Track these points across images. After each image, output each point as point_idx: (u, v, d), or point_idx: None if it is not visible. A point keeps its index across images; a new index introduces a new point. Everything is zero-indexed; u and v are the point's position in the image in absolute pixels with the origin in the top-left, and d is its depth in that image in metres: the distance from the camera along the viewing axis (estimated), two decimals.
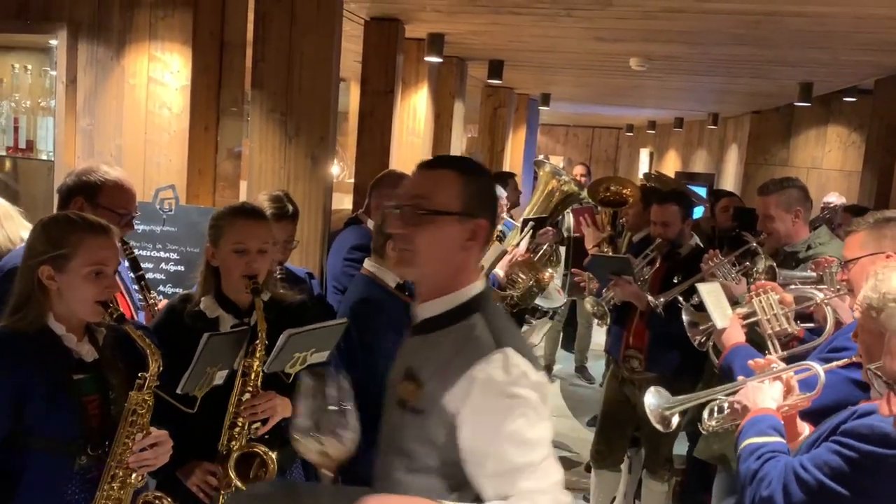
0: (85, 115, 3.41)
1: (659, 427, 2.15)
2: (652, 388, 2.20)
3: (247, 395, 2.08)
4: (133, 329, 1.83)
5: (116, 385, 1.84)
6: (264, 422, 2.10)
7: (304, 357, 2.12)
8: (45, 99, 3.81)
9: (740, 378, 2.03)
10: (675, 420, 2.16)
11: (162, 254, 3.24)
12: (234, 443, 2.08)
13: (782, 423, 1.83)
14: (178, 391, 1.92)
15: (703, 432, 2.16)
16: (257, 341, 2.07)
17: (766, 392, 1.89)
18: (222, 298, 2.19)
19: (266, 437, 2.11)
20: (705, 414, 2.12)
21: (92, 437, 1.79)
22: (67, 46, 3.47)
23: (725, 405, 2.04)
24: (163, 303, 2.54)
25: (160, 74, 3.36)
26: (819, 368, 1.88)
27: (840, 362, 1.94)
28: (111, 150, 3.36)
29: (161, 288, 3.19)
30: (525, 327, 4.47)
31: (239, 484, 2.01)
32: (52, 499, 1.76)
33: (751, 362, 2.11)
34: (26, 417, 1.72)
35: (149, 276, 3.06)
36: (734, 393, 2.00)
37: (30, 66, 3.88)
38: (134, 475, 1.80)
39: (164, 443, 1.84)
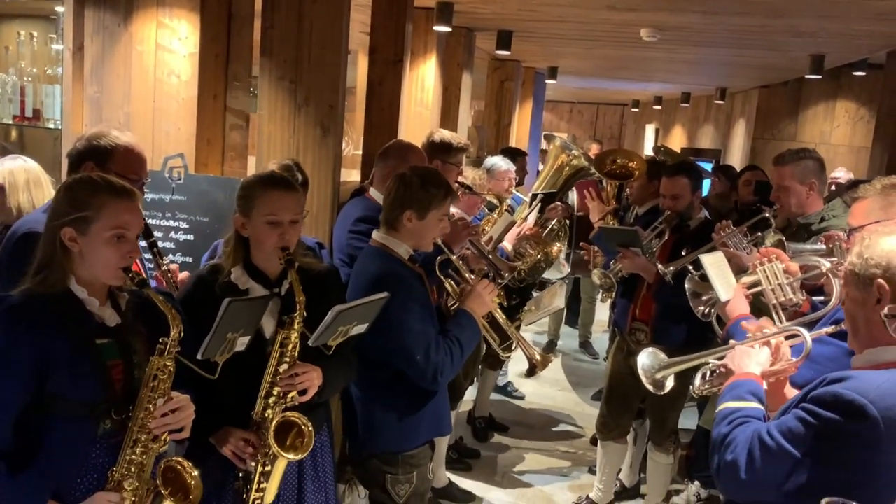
0: (92, 82, 3.38)
1: (650, 388, 2.12)
2: (648, 349, 2.17)
3: (284, 366, 2.10)
4: (155, 294, 1.82)
5: (140, 350, 1.84)
6: (302, 392, 2.13)
7: (346, 330, 2.16)
8: (52, 67, 3.78)
9: (731, 342, 2.00)
10: (669, 383, 2.13)
11: (171, 223, 3.23)
12: (268, 412, 2.10)
13: (763, 388, 1.81)
14: (199, 356, 1.92)
15: (694, 396, 2.15)
16: (295, 313, 2.09)
17: (752, 356, 1.87)
18: (251, 268, 2.20)
19: (296, 403, 2.14)
20: (697, 378, 2.10)
21: (116, 401, 1.79)
22: (74, 13, 3.43)
23: (717, 369, 2.02)
24: (175, 267, 2.54)
25: (168, 41, 3.33)
26: (806, 334, 1.85)
27: (829, 329, 1.92)
28: (119, 117, 3.34)
29: (171, 257, 3.19)
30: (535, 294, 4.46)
31: (279, 451, 2.03)
32: (76, 463, 1.77)
33: (744, 323, 2.08)
34: (50, 382, 1.72)
35: (159, 244, 3.06)
36: (724, 357, 1.97)
37: (35, 34, 3.85)
38: (156, 441, 1.80)
39: (186, 407, 1.84)
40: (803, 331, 1.87)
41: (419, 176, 2.51)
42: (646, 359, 2.15)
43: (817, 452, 1.52)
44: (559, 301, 3.68)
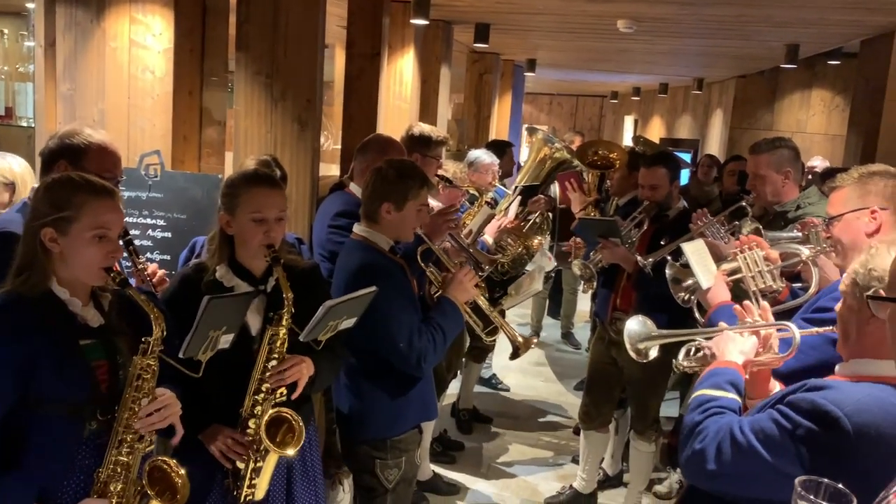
0: (65, 79, 3.33)
1: (633, 355, 2.11)
2: (638, 317, 2.15)
3: (273, 362, 2.11)
4: (136, 293, 1.81)
5: (124, 351, 1.83)
6: (291, 388, 2.13)
7: (336, 324, 2.18)
8: (24, 64, 3.73)
9: (721, 324, 1.98)
10: (653, 353, 2.11)
11: (148, 220, 3.20)
12: (257, 408, 2.11)
13: (743, 378, 1.79)
14: (181, 355, 1.92)
15: (675, 370, 2.14)
16: (283, 310, 2.10)
17: (738, 344, 1.85)
18: (236, 266, 2.20)
19: (285, 399, 2.15)
20: (682, 353, 2.08)
21: (101, 402, 1.78)
22: (45, 9, 3.39)
23: (702, 349, 2.00)
24: (153, 267, 2.51)
25: (142, 37, 3.29)
26: (796, 331, 1.83)
27: (820, 329, 1.89)
28: (94, 115, 3.30)
29: (149, 255, 3.16)
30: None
31: (272, 446, 2.04)
32: (62, 464, 1.75)
33: (736, 307, 2.07)
34: (35, 383, 1.70)
35: (136, 242, 3.03)
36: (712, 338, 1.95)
37: (6, 31, 3.79)
38: (141, 441, 1.79)
39: (172, 404, 1.84)
40: (793, 326, 1.85)
41: (395, 168, 2.54)
42: (634, 325, 2.12)
43: (785, 456, 1.51)
44: (537, 284, 3.71)
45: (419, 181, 2.55)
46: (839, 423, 1.45)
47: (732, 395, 1.73)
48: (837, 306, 1.71)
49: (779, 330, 1.89)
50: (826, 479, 1.25)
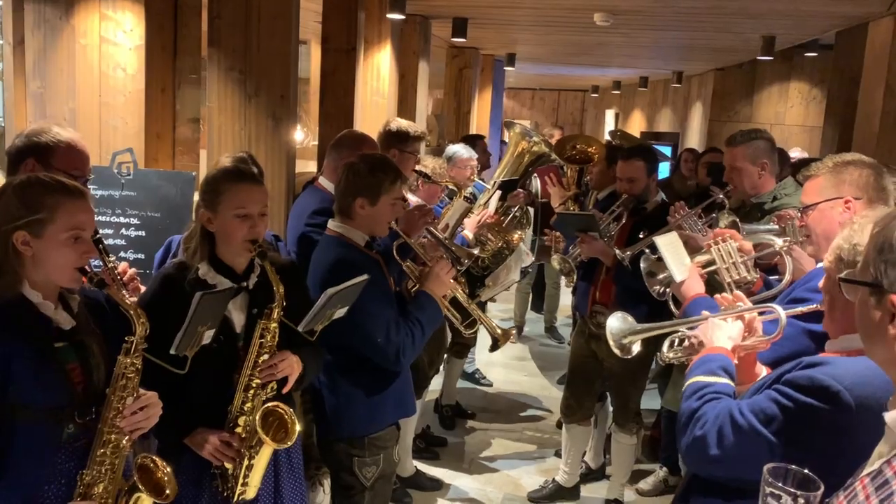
0: (35, 77, 3.28)
1: (617, 352, 2.10)
2: (618, 313, 2.14)
3: (264, 357, 2.11)
4: (116, 293, 1.79)
5: (96, 352, 1.81)
6: (282, 382, 2.14)
7: (332, 314, 2.19)
8: None
9: (704, 313, 1.97)
10: (636, 348, 2.11)
11: (122, 219, 3.15)
12: (248, 404, 2.10)
13: (734, 363, 1.79)
14: (172, 351, 1.91)
15: (661, 363, 2.13)
16: (274, 304, 2.10)
17: (725, 330, 1.84)
18: (216, 263, 2.18)
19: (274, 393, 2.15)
20: (665, 345, 2.07)
21: (78, 404, 1.76)
22: (13, 7, 3.33)
23: (686, 339, 2.00)
24: (123, 265, 2.47)
25: (112, 34, 3.25)
26: (781, 312, 1.82)
27: (804, 309, 1.89)
28: (64, 113, 3.25)
29: (122, 254, 3.12)
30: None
31: (267, 439, 2.04)
32: (42, 469, 1.73)
33: (718, 297, 2.06)
34: (12, 389, 1.67)
35: (109, 242, 2.99)
36: (696, 327, 1.94)
37: None
38: (126, 439, 1.77)
39: (154, 404, 1.82)
40: (778, 307, 1.84)
41: (366, 163, 2.53)
42: (615, 322, 2.11)
43: (789, 435, 1.51)
44: (514, 275, 3.71)
45: (392, 175, 2.54)
46: (840, 396, 1.45)
47: (726, 380, 1.73)
48: (821, 283, 1.70)
49: (762, 313, 1.88)
50: (794, 466, 1.25)
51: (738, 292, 2.02)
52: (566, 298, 6.92)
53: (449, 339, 4.55)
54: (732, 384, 1.73)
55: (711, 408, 1.64)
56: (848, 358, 1.55)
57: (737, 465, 1.59)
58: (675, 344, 2.09)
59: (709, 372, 1.74)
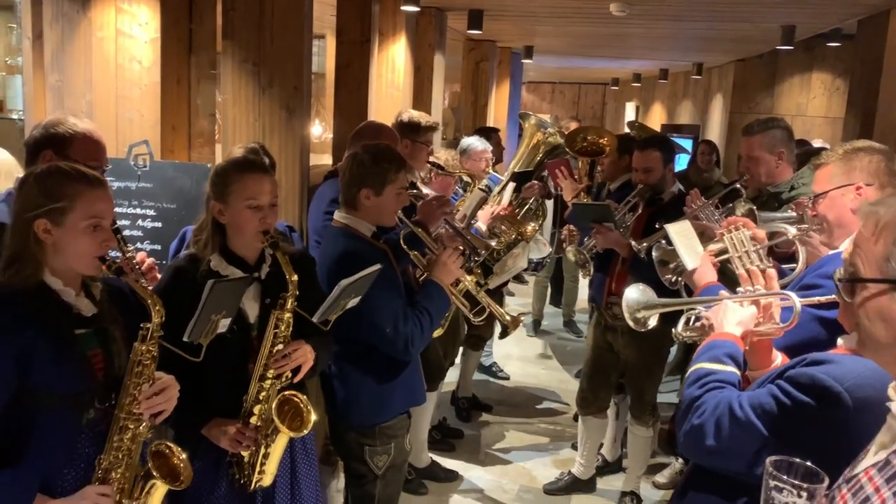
0: (53, 70, 3.32)
1: (631, 324, 2.07)
2: (639, 285, 2.10)
3: (279, 347, 2.12)
4: (133, 280, 1.82)
5: (118, 339, 1.84)
6: (296, 370, 2.15)
7: (345, 304, 2.20)
8: (13, 57, 3.73)
9: (721, 293, 1.94)
10: (651, 323, 2.08)
11: (138, 210, 3.19)
12: (263, 393, 2.12)
13: (742, 350, 1.76)
14: (185, 339, 1.94)
15: (675, 340, 2.11)
16: (287, 294, 2.11)
17: (737, 314, 1.81)
18: (228, 254, 2.20)
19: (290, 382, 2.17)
20: (681, 322, 2.04)
21: (98, 391, 1.79)
22: (32, 1, 3.37)
23: (702, 318, 1.96)
24: (141, 255, 2.50)
25: (128, 27, 3.28)
26: (796, 299, 1.78)
27: (821, 298, 1.83)
28: (82, 106, 3.28)
29: (139, 245, 3.15)
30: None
31: (283, 427, 2.06)
32: (62, 453, 1.76)
33: (742, 273, 2.01)
34: (33, 375, 1.70)
35: (126, 233, 3.02)
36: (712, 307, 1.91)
37: None
38: (143, 425, 1.80)
39: (171, 387, 1.85)
40: (793, 295, 1.81)
41: (370, 153, 2.53)
42: (634, 293, 2.07)
43: (783, 432, 1.50)
44: (522, 262, 3.70)
45: (396, 164, 2.53)
46: (840, 398, 1.43)
47: (731, 369, 1.70)
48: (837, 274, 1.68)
49: (781, 299, 1.85)
50: (797, 459, 1.23)
51: (771, 271, 1.98)
52: (584, 292, 6.89)
53: (464, 332, 4.55)
54: (738, 372, 1.71)
55: (712, 397, 1.62)
56: (853, 357, 1.50)
57: (732, 458, 1.58)
58: (691, 322, 2.06)
59: (714, 359, 1.72)
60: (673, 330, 2.09)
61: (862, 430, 1.40)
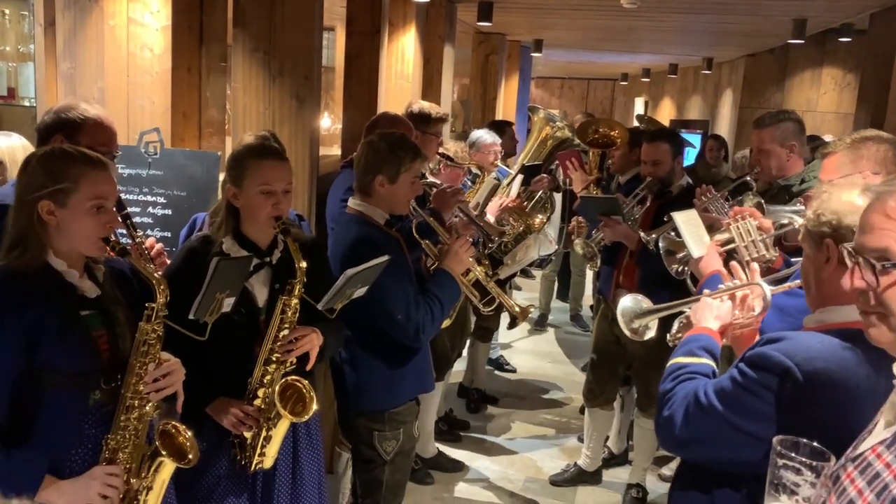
0: (65, 58, 3.33)
1: (629, 335, 2.09)
2: (634, 294, 2.14)
3: (284, 332, 2.14)
4: (137, 260, 1.83)
5: (122, 320, 1.85)
6: (302, 359, 2.17)
7: (351, 293, 2.22)
8: (25, 45, 3.73)
9: (706, 291, 1.97)
10: (650, 333, 2.09)
11: (149, 197, 3.20)
12: (267, 377, 2.14)
13: (719, 343, 1.78)
14: (191, 316, 1.96)
15: (669, 344, 2.12)
16: (296, 280, 2.13)
17: (713, 309, 1.84)
18: (241, 238, 2.21)
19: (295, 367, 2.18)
20: (675, 325, 2.07)
21: (104, 372, 1.80)
22: None
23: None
24: (150, 240, 2.52)
25: (140, 15, 3.29)
26: (767, 290, 1.82)
27: (791, 284, 1.87)
28: (94, 93, 3.30)
29: (150, 232, 3.16)
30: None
31: (285, 412, 2.08)
32: (70, 434, 1.77)
33: (723, 270, 2.04)
34: (40, 355, 1.71)
35: (136, 220, 3.03)
36: None
37: (7, 11, 3.80)
38: (149, 405, 1.81)
39: (177, 370, 1.86)
40: (763, 284, 1.84)
41: (386, 141, 2.54)
42: (627, 302, 2.10)
43: (742, 411, 1.50)
44: (533, 253, 3.71)
45: (412, 153, 2.54)
46: (790, 372, 1.44)
47: (705, 360, 1.72)
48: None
49: (754, 289, 1.87)
50: (803, 439, 1.23)
51: (754, 265, 2.00)
52: (591, 287, 6.91)
53: (472, 324, 4.55)
54: (712, 364, 1.72)
55: (682, 388, 1.64)
56: (808, 334, 1.54)
57: (702, 447, 1.59)
58: (683, 324, 2.08)
59: (688, 353, 1.74)
60: (668, 335, 2.10)
61: (815, 406, 1.41)
